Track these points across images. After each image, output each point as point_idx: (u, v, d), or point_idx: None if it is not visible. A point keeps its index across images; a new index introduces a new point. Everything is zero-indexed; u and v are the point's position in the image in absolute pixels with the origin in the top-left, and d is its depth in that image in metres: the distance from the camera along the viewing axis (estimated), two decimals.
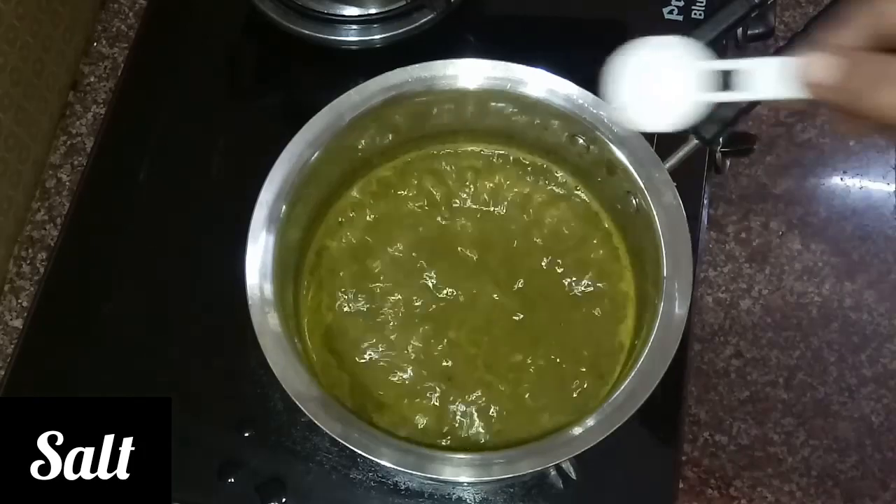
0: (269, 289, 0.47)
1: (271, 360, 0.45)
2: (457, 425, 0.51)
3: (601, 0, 0.68)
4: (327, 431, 0.43)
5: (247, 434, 0.55)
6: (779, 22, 0.76)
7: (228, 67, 0.67)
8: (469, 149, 0.57)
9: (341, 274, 0.54)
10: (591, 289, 0.54)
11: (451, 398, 0.51)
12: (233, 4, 0.67)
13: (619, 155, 0.50)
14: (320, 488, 0.53)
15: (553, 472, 0.52)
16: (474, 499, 0.53)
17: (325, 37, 0.62)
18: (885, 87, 0.29)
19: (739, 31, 0.59)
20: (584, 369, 0.52)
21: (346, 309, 0.53)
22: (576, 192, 0.56)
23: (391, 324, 0.53)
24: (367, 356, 0.52)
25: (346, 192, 0.56)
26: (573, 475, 0.52)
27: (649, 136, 0.51)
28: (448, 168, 0.57)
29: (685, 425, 0.60)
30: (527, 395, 0.51)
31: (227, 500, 0.53)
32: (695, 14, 0.65)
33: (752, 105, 0.49)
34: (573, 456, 0.44)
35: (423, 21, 0.62)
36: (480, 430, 0.51)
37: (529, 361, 0.52)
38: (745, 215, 0.71)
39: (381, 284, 0.54)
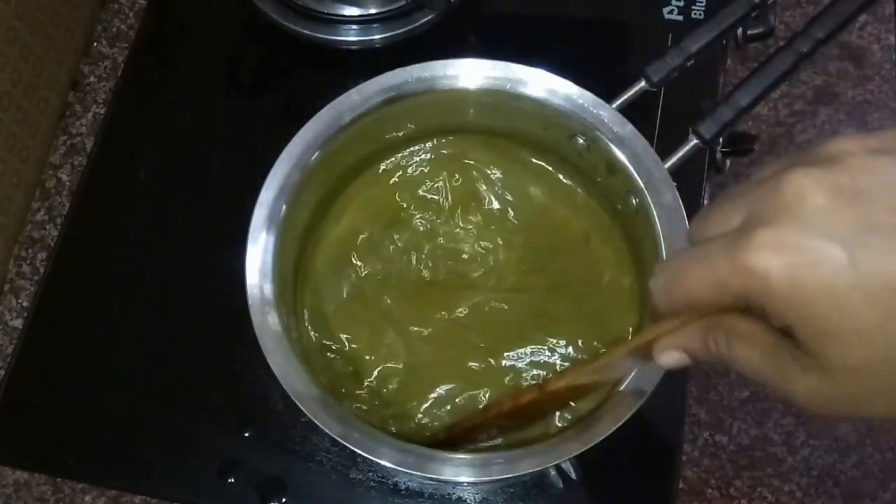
0: (269, 289, 0.47)
1: (271, 360, 0.45)
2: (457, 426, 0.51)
3: (601, 0, 0.68)
4: (327, 431, 0.43)
5: (247, 434, 0.55)
6: (779, 22, 0.76)
7: (228, 67, 0.67)
8: (468, 148, 0.57)
9: (342, 273, 0.54)
10: (591, 288, 0.54)
11: (450, 396, 0.51)
12: (233, 4, 0.67)
13: (619, 155, 0.50)
14: (320, 488, 0.53)
15: (553, 472, 0.52)
16: (474, 499, 0.53)
17: (325, 37, 0.62)
18: (734, 351, 0.30)
19: (739, 31, 0.59)
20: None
21: (347, 308, 0.53)
22: (576, 192, 0.56)
23: (393, 322, 0.53)
24: (368, 355, 0.52)
25: (346, 191, 0.56)
26: (573, 475, 0.52)
27: (649, 136, 0.51)
28: (447, 167, 0.57)
29: (685, 425, 0.60)
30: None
31: (227, 500, 0.53)
32: (695, 14, 0.65)
33: (752, 105, 0.49)
34: (573, 456, 0.44)
35: (423, 21, 0.62)
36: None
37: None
38: None
39: (382, 283, 0.54)
